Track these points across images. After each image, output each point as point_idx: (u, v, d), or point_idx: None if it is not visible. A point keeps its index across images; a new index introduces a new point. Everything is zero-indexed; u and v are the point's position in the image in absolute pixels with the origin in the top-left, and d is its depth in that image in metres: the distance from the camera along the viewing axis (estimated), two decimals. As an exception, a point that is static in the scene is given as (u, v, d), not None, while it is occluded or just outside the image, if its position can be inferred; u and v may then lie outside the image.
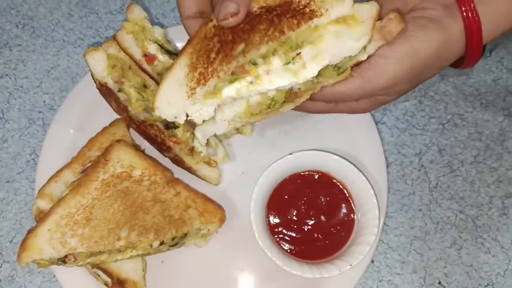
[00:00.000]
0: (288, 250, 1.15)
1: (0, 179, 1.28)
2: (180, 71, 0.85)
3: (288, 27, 0.84)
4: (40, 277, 1.21)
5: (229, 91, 0.84)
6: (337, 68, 0.86)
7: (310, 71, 0.84)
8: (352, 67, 0.86)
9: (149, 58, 1.10)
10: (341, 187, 1.19)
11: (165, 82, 0.85)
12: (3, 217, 1.26)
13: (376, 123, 1.28)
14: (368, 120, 1.27)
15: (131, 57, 1.09)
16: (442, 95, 1.36)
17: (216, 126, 0.89)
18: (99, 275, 1.14)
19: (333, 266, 1.08)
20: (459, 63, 0.93)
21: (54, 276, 1.18)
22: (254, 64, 0.83)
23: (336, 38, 0.83)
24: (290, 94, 0.88)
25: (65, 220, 1.04)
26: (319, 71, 0.85)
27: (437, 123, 1.34)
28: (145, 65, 1.11)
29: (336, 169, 1.18)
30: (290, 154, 1.17)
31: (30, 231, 1.03)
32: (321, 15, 0.82)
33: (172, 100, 0.85)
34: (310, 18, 0.83)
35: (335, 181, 1.19)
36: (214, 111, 0.87)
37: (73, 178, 1.14)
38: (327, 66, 0.85)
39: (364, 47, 0.84)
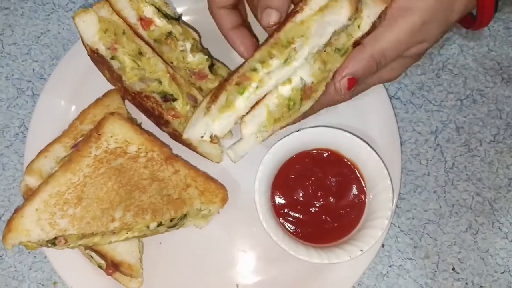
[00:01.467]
0: (294, 233, 1.08)
1: (-13, 152, 1.21)
2: (203, 102, 0.97)
3: (276, 30, 0.92)
4: (31, 257, 1.15)
5: (240, 101, 0.91)
6: (338, 50, 0.90)
7: (301, 55, 0.90)
8: (353, 45, 0.90)
9: (145, 22, 1.00)
10: (352, 166, 1.11)
11: (194, 114, 0.99)
12: (-10, 193, 1.18)
13: (390, 98, 1.19)
14: (382, 94, 1.18)
15: (125, 20, 1.00)
16: (461, 69, 1.27)
17: (246, 142, 0.94)
18: (92, 257, 1.07)
19: (342, 251, 1.01)
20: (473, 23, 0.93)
21: (46, 257, 1.12)
22: (254, 70, 0.91)
23: (321, 21, 0.89)
24: (304, 90, 0.92)
25: (55, 199, 0.96)
26: (323, 59, 0.90)
27: (455, 99, 1.25)
28: (141, 30, 1.01)
29: (346, 147, 1.10)
30: (298, 131, 1.09)
31: (16, 211, 0.96)
32: (302, 10, 0.89)
33: (196, 122, 0.94)
34: (293, 16, 0.89)
35: (345, 160, 1.11)
36: (235, 123, 0.94)
37: (64, 153, 1.06)
38: (328, 52, 0.90)
39: (358, 25, 0.89)
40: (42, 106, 1.16)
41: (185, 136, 0.97)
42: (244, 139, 0.94)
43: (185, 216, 1.05)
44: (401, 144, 1.17)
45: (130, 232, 0.99)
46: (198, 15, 1.20)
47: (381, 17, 0.89)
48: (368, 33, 0.90)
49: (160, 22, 1.00)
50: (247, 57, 0.95)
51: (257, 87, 0.91)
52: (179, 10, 1.16)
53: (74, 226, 0.95)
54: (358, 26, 0.89)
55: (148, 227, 1.00)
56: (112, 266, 1.04)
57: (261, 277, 1.12)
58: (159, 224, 1.02)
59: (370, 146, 1.07)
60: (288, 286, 1.11)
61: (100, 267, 1.07)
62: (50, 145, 1.08)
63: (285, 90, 0.92)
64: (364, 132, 1.15)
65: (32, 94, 1.24)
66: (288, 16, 0.93)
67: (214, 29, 1.20)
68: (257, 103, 0.93)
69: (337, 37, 0.91)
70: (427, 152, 1.22)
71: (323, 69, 0.91)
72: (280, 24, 0.94)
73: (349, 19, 0.90)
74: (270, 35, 0.94)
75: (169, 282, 1.11)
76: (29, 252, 1.15)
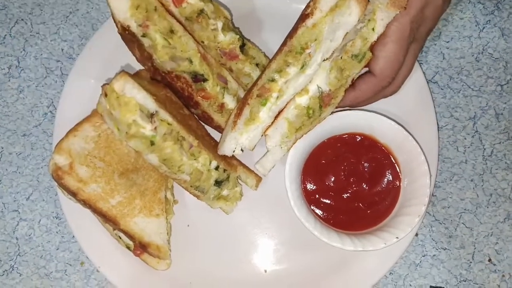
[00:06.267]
0: (325, 220, 1.05)
1: (16, 132, 1.20)
2: (230, 118, 1.03)
3: (288, 37, 0.93)
4: (59, 237, 1.15)
5: (263, 112, 0.96)
6: (355, 57, 0.91)
7: (314, 61, 0.93)
8: (371, 49, 0.91)
9: (177, -1, 0.97)
10: (386, 151, 1.07)
11: (224, 131, 1.05)
12: (19, 172, 1.18)
13: (427, 82, 1.14)
14: (419, 78, 1.13)
15: (156, -3, 0.97)
16: (502, 53, 1.21)
17: (272, 154, 1.00)
18: (120, 238, 1.06)
19: (377, 239, 0.98)
20: None
21: (73, 236, 1.12)
22: (273, 80, 0.94)
23: (332, 24, 0.90)
24: (322, 98, 0.95)
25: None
26: (340, 67, 0.92)
27: (495, 84, 1.20)
28: (172, 7, 0.98)
29: (381, 131, 1.06)
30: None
31: None
32: (313, 14, 0.90)
33: (226, 138, 0.98)
34: (304, 21, 0.91)
35: (379, 144, 1.07)
36: (261, 135, 0.99)
37: (94, 132, 1.05)
38: (345, 60, 0.91)
39: (373, 28, 0.89)
40: (71, 85, 1.15)
41: (220, 152, 1.00)
42: (270, 152, 1.00)
43: (227, 178, 1.04)
44: (438, 130, 1.12)
45: (195, 161, 0.98)
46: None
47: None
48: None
49: (192, -1, 0.97)
50: None
51: (277, 97, 0.95)
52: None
53: (172, 120, 0.94)
54: (373, 29, 0.90)
55: (210, 163, 1.00)
56: (140, 247, 1.03)
57: (289, 264, 1.10)
58: (216, 168, 1.01)
59: (407, 131, 1.03)
60: (317, 274, 1.08)
61: (128, 248, 1.06)
62: (79, 124, 1.06)
63: (303, 100, 0.96)
64: (399, 117, 1.10)
65: (61, 74, 1.24)
66: (298, 21, 0.93)
67: (245, 9, 1.18)
68: (278, 114, 0.97)
69: (352, 43, 0.91)
70: (465, 139, 1.17)
71: (340, 77, 0.93)
72: (292, 31, 0.94)
73: (362, 22, 0.91)
74: (283, 43, 0.94)
75: (196, 265, 1.09)
76: (57, 232, 1.15)
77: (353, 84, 0.96)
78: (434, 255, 1.12)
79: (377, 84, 0.95)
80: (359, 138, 1.08)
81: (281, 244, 1.11)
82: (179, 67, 1.00)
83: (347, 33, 0.93)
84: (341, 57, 0.92)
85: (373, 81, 0.94)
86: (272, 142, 0.99)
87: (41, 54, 1.25)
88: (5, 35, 1.26)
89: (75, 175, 1.01)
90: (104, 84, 0.90)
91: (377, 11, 0.89)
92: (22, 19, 1.27)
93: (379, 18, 0.89)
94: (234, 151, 0.99)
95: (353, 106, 1.00)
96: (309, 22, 0.91)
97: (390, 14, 0.88)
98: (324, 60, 0.94)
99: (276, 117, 0.98)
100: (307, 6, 0.93)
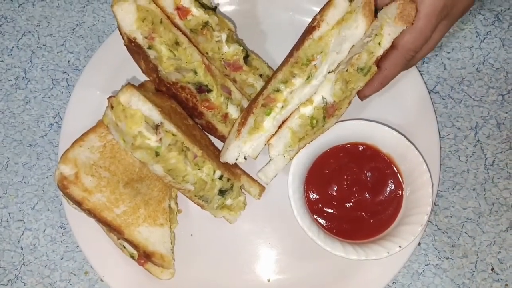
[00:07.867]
0: (328, 229, 1.05)
1: (22, 142, 1.22)
2: (234, 126, 1.05)
3: (295, 49, 0.95)
4: (63, 247, 1.16)
5: (267, 121, 0.98)
6: (360, 70, 0.92)
7: (320, 72, 0.94)
8: (376, 63, 0.92)
9: (182, 11, 0.99)
10: (389, 161, 1.08)
11: (227, 138, 1.06)
12: (25, 182, 1.19)
13: (429, 92, 1.15)
14: (421, 88, 1.14)
15: (162, 10, 0.99)
16: (503, 63, 1.22)
17: (275, 163, 1.01)
18: (124, 247, 1.07)
19: (380, 248, 0.99)
20: None
21: (78, 246, 1.12)
22: (278, 91, 0.96)
23: (338, 36, 0.92)
24: (327, 109, 0.96)
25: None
26: (345, 79, 0.93)
27: (496, 94, 1.21)
28: (178, 20, 1.00)
29: (383, 141, 1.07)
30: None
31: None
32: (319, 27, 0.91)
33: (229, 146, 1.00)
34: (310, 33, 0.92)
35: (381, 154, 1.08)
36: (265, 144, 1.00)
37: (99, 142, 1.07)
38: (350, 72, 0.92)
39: (379, 43, 0.90)
40: (76, 96, 1.17)
41: (222, 160, 1.01)
42: (273, 161, 1.01)
43: (231, 187, 1.05)
44: (440, 140, 1.13)
45: (199, 171, 0.99)
46: (233, 6, 1.20)
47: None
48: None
49: (196, 12, 0.99)
50: None
51: (282, 107, 0.97)
52: (216, 0, 1.15)
53: (177, 130, 0.95)
54: (379, 43, 0.91)
55: (214, 173, 1.01)
56: (144, 257, 1.03)
57: (292, 274, 1.10)
58: (220, 177, 1.02)
59: (409, 140, 1.04)
60: (320, 284, 1.09)
61: (132, 257, 1.07)
62: (85, 134, 1.08)
63: (307, 110, 0.97)
64: (401, 127, 1.11)
65: (67, 85, 1.25)
66: (305, 33, 0.94)
67: (249, 21, 1.20)
68: (282, 123, 0.98)
69: (358, 56, 0.92)
70: (467, 148, 1.17)
71: (344, 89, 0.94)
72: (299, 43, 0.96)
73: (369, 36, 0.91)
74: (290, 54, 0.96)
75: (200, 274, 1.10)
76: (61, 242, 1.16)
77: (378, 65, 0.94)
78: (436, 264, 1.12)
79: (400, 58, 0.92)
80: (362, 148, 1.09)
81: (284, 254, 1.11)
82: (184, 78, 1.02)
83: (353, 45, 0.94)
84: (347, 70, 0.93)
85: (395, 54, 0.92)
86: (275, 151, 1.00)
87: (48, 66, 1.27)
88: (13, 47, 1.28)
89: (81, 185, 1.02)
90: (110, 97, 0.91)
91: (384, 25, 0.90)
92: (29, 31, 1.29)
93: (386, 33, 0.90)
94: (237, 159, 1.01)
95: (383, 86, 0.97)
96: (316, 34, 0.92)
97: (397, 29, 0.89)
98: (329, 72, 0.95)
99: (279, 126, 1.00)
100: (314, 19, 0.95)
